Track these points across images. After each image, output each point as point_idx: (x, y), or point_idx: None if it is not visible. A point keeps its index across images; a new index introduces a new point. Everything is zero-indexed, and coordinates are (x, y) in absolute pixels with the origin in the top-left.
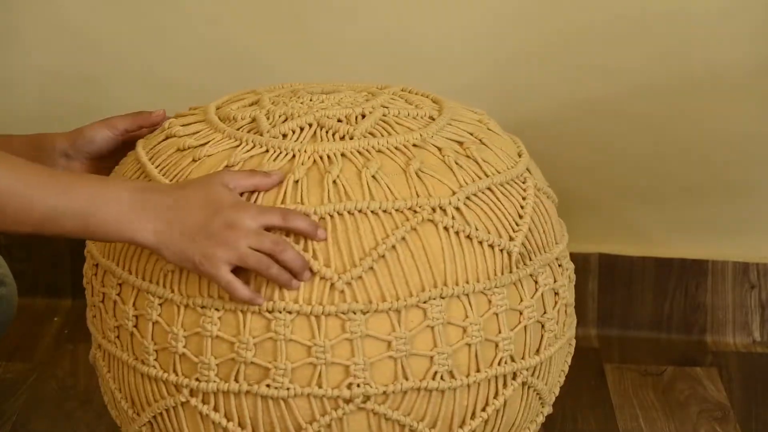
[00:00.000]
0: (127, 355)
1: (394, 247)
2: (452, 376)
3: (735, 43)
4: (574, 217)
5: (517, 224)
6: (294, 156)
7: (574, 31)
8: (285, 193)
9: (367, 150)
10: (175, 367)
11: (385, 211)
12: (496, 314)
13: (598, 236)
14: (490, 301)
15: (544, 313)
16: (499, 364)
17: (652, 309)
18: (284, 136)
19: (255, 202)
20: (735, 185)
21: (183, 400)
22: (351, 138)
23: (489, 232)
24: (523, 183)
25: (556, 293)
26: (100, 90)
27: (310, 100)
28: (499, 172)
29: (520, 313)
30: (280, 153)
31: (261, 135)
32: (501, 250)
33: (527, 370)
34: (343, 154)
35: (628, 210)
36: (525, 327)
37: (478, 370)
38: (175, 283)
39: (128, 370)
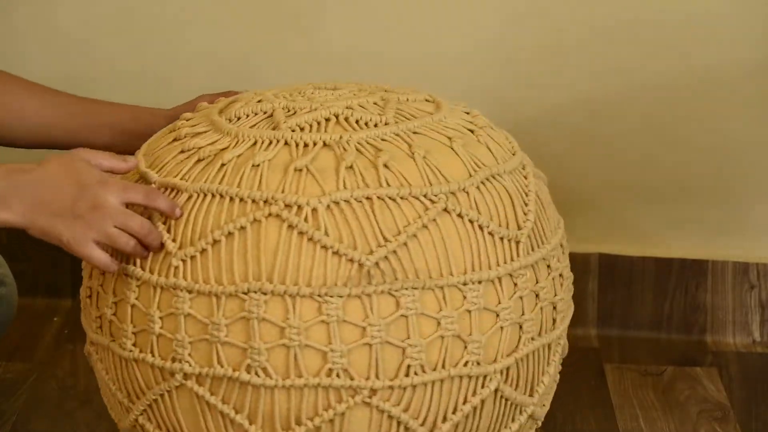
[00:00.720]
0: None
1: (415, 234)
2: (477, 364)
3: (735, 42)
4: (574, 217)
5: (524, 213)
6: (315, 144)
7: (575, 30)
8: (342, 179)
9: (405, 133)
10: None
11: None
12: (521, 297)
13: (598, 236)
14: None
15: (555, 295)
16: (524, 344)
17: (652, 309)
18: (302, 129)
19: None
20: (735, 185)
21: (177, 384)
22: (387, 124)
23: (500, 224)
24: (523, 169)
25: (561, 275)
26: (95, 94)
27: (314, 95)
28: (505, 160)
29: (537, 296)
30: (306, 145)
31: (278, 129)
32: (509, 240)
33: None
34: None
35: (628, 210)
36: (541, 308)
37: (507, 355)
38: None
39: (119, 360)
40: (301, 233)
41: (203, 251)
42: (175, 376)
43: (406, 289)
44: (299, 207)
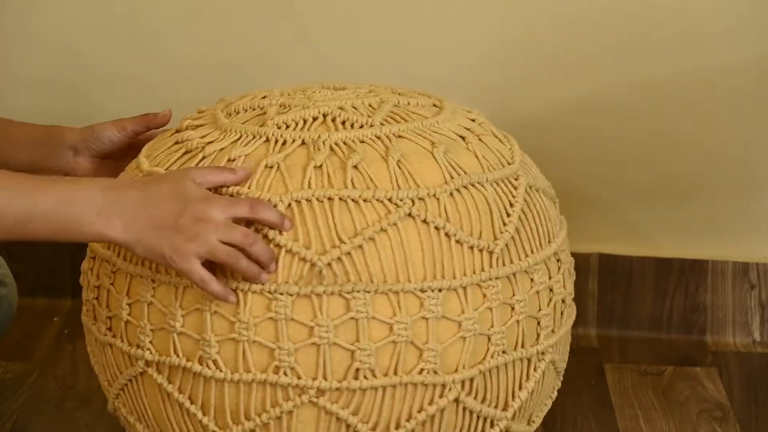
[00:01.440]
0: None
1: (372, 238)
2: (434, 372)
3: (735, 42)
4: (574, 217)
5: (504, 224)
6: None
7: (574, 30)
8: (308, 178)
9: (387, 137)
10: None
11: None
12: (490, 308)
13: (598, 236)
14: (485, 295)
15: (539, 310)
16: (492, 357)
17: (652, 309)
18: (287, 126)
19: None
20: (735, 185)
21: (140, 370)
22: (371, 126)
23: (471, 233)
24: (515, 180)
25: (551, 289)
26: (86, 97)
27: (314, 95)
28: (493, 169)
29: (512, 308)
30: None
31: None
32: (480, 250)
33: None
34: (362, 141)
35: (628, 210)
36: (517, 321)
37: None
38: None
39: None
40: (256, 230)
41: None
42: (138, 362)
43: (358, 291)
44: None
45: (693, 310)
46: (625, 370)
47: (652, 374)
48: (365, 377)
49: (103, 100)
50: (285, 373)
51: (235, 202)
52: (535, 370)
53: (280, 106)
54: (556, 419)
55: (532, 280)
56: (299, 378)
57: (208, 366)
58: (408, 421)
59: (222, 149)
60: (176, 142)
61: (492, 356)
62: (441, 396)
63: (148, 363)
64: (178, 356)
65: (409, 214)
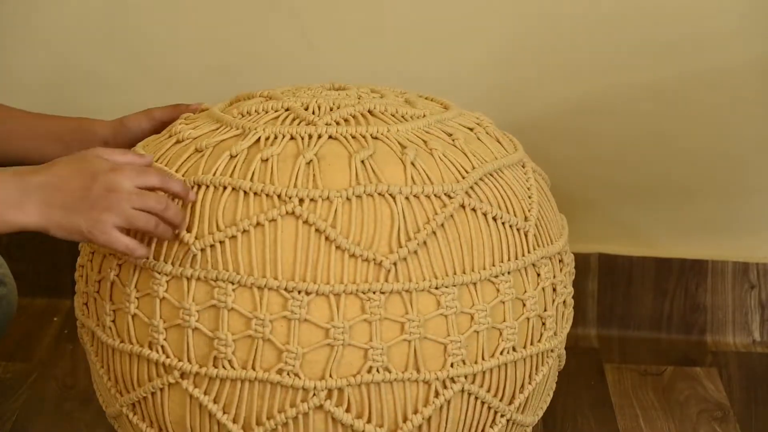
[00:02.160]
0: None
1: (434, 232)
2: (463, 363)
3: (736, 42)
4: (574, 217)
5: (529, 205)
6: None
7: (574, 30)
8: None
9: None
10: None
11: (418, 196)
12: (503, 302)
13: (598, 236)
14: (498, 289)
15: (545, 309)
16: (501, 353)
17: (652, 309)
18: (337, 123)
19: None
20: (735, 185)
21: (172, 381)
22: (404, 119)
23: (508, 212)
24: (524, 167)
25: (572, 272)
26: (100, 89)
27: (328, 94)
28: (504, 156)
29: (523, 304)
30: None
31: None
32: (518, 230)
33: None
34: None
35: (628, 210)
36: (528, 318)
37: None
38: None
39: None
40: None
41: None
42: (172, 372)
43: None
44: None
45: (693, 310)
46: (625, 370)
47: (652, 374)
48: (378, 371)
49: (98, 104)
50: (288, 375)
51: (144, 172)
52: (536, 370)
53: (304, 106)
54: (556, 419)
55: (539, 275)
56: (299, 378)
57: (224, 367)
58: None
59: (251, 146)
60: (170, 135)
61: (502, 352)
62: (446, 389)
63: (183, 374)
64: (216, 367)
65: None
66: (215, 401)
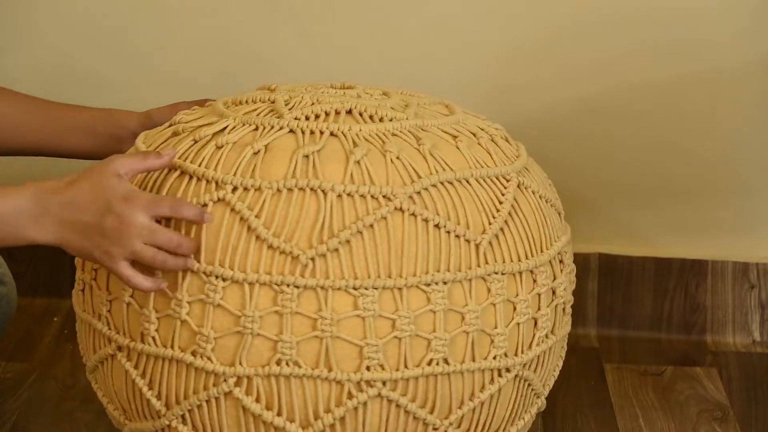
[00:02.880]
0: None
1: (360, 232)
2: (446, 362)
3: (735, 42)
4: (574, 217)
5: (493, 219)
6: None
7: (574, 30)
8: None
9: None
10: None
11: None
12: (433, 312)
13: (598, 236)
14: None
15: (495, 327)
16: (428, 364)
17: (652, 309)
18: (307, 118)
19: None
20: (735, 185)
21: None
22: (381, 120)
23: (459, 223)
24: (507, 182)
25: (547, 294)
26: (99, 90)
27: (326, 92)
28: (480, 167)
29: (462, 318)
30: (304, 133)
31: (281, 118)
32: (467, 241)
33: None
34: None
35: (628, 210)
36: (466, 333)
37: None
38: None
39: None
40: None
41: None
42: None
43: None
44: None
45: (693, 310)
46: (625, 370)
47: (652, 374)
48: (373, 369)
49: (97, 105)
50: (287, 364)
51: (156, 202)
52: (491, 383)
53: (296, 101)
54: (556, 419)
55: (534, 281)
56: (299, 366)
57: (201, 358)
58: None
59: (215, 133)
60: (170, 125)
61: (430, 363)
62: (360, 391)
63: (120, 347)
64: (175, 348)
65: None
66: (142, 376)
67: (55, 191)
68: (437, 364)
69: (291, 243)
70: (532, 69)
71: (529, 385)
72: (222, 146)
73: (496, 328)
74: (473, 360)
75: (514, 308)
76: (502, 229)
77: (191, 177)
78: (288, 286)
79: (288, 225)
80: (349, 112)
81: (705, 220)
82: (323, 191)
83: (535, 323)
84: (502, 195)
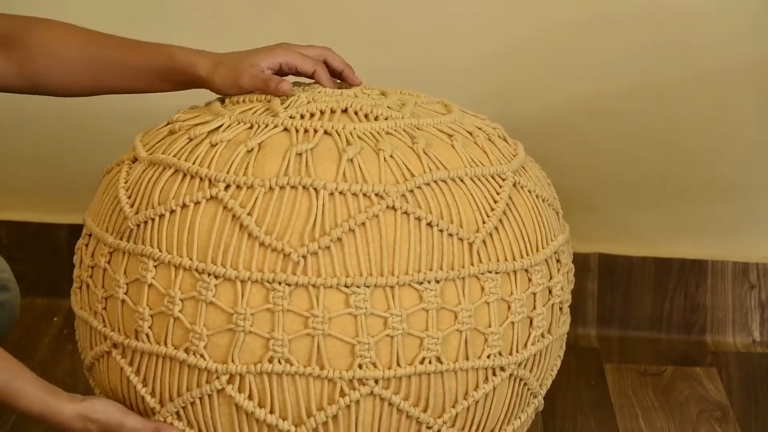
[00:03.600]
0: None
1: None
2: (440, 360)
3: (735, 42)
4: (574, 217)
5: (487, 217)
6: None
7: (574, 30)
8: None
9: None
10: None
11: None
12: (426, 310)
13: (598, 236)
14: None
15: (489, 325)
16: (421, 362)
17: (652, 309)
18: (302, 116)
19: None
20: (735, 185)
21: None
22: (375, 119)
23: (452, 222)
24: (503, 181)
25: (543, 293)
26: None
27: (323, 92)
28: (475, 166)
29: (455, 316)
30: (297, 131)
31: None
32: (460, 239)
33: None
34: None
35: (628, 210)
36: (459, 331)
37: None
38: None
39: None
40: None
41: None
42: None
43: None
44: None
45: (693, 310)
46: (625, 370)
47: (652, 374)
48: (362, 366)
49: (98, 103)
50: (279, 362)
51: None
52: (485, 382)
53: (293, 100)
54: (556, 419)
55: (530, 280)
56: (291, 364)
57: (194, 355)
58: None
59: (210, 131)
60: (168, 123)
61: (422, 362)
62: (353, 389)
63: (115, 345)
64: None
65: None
66: (136, 373)
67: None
68: (430, 362)
69: (283, 241)
70: (532, 69)
71: (524, 384)
72: (216, 144)
73: (489, 326)
74: (467, 359)
75: (509, 307)
76: (496, 228)
77: (185, 175)
78: (279, 284)
79: (280, 223)
80: (345, 111)
81: (705, 220)
82: (315, 189)
83: (531, 322)
84: (497, 194)
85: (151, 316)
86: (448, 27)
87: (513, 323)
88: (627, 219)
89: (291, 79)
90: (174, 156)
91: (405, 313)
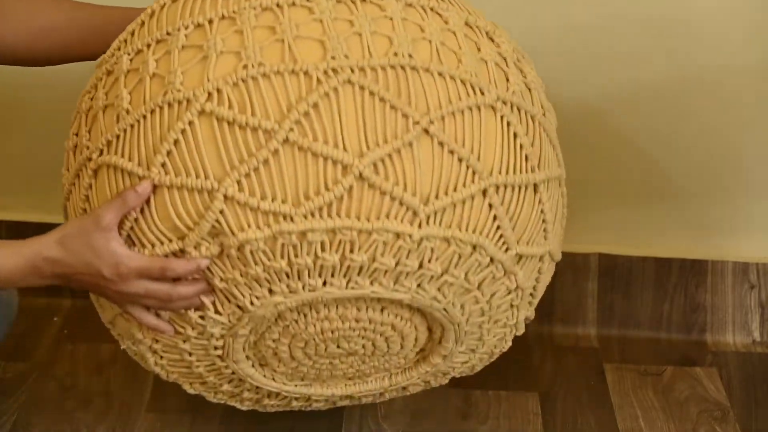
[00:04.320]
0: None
1: None
2: None
3: (735, 42)
4: (574, 217)
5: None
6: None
7: (574, 30)
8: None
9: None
10: None
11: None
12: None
13: (598, 236)
14: None
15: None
16: (395, 55)
17: (652, 309)
18: None
19: None
20: (735, 185)
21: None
22: None
23: None
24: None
25: None
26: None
27: None
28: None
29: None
30: None
31: None
32: None
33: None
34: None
35: (628, 210)
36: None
37: None
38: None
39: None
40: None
41: None
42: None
43: None
44: None
45: (693, 310)
46: (625, 370)
47: (652, 374)
48: None
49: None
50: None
51: (147, 268)
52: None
53: None
54: (557, 419)
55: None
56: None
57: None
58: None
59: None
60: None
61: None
62: (328, 77)
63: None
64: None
65: None
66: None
67: (46, 258)
68: (403, 56)
69: None
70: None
71: (508, 124)
72: None
73: (460, 48)
74: (441, 64)
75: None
76: None
77: None
78: (246, 8)
79: None
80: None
81: (705, 220)
82: None
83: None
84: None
85: (130, 93)
86: None
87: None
88: (627, 219)
89: None
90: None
91: (370, 17)
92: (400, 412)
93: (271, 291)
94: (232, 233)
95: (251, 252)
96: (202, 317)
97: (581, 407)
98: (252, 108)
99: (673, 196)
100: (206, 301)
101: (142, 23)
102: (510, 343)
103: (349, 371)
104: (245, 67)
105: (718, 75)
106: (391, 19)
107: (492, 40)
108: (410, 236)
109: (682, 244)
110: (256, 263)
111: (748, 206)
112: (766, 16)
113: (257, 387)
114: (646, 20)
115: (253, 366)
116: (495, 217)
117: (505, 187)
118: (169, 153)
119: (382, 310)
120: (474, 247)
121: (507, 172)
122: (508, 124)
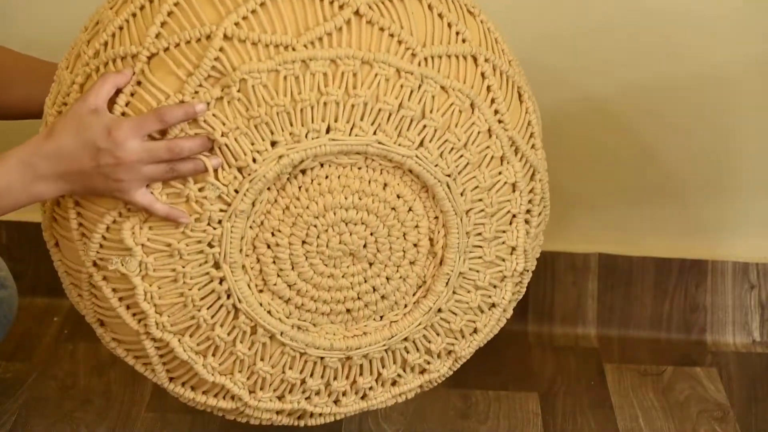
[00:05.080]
0: None
1: None
2: None
3: (735, 42)
4: (574, 217)
5: None
6: None
7: (573, 31)
8: None
9: None
10: None
11: None
12: None
13: (598, 236)
14: None
15: None
16: None
17: (652, 309)
18: None
19: None
20: (735, 185)
21: None
22: None
23: None
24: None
25: None
26: None
27: None
28: None
29: None
30: None
31: None
32: None
33: None
34: None
35: (628, 210)
36: None
37: None
38: None
39: None
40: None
41: None
42: None
43: None
44: None
45: (693, 310)
46: (625, 370)
47: (652, 374)
48: None
49: None
50: None
51: (141, 123)
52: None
53: None
54: (556, 418)
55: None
56: None
57: None
58: None
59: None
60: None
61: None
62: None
63: None
64: None
65: None
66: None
67: (37, 151)
68: None
69: None
70: (531, 69)
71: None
72: None
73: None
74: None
75: None
76: None
77: None
78: None
79: None
80: None
81: (705, 220)
82: None
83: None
84: None
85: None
86: None
87: None
88: (627, 219)
89: None
90: None
91: None
92: (399, 413)
93: (273, 143)
94: (234, 69)
95: (253, 88)
96: (201, 189)
97: (581, 407)
98: None
99: (673, 196)
100: (208, 163)
101: None
102: (508, 298)
103: (349, 304)
104: None
105: (718, 74)
106: None
107: None
108: (411, 73)
109: (682, 244)
110: (258, 103)
111: (748, 206)
112: (761, 18)
113: (252, 335)
114: (645, 21)
115: (249, 287)
116: (489, 88)
117: (494, 64)
118: (163, 24)
119: (384, 187)
120: (472, 106)
121: (493, 51)
122: None
